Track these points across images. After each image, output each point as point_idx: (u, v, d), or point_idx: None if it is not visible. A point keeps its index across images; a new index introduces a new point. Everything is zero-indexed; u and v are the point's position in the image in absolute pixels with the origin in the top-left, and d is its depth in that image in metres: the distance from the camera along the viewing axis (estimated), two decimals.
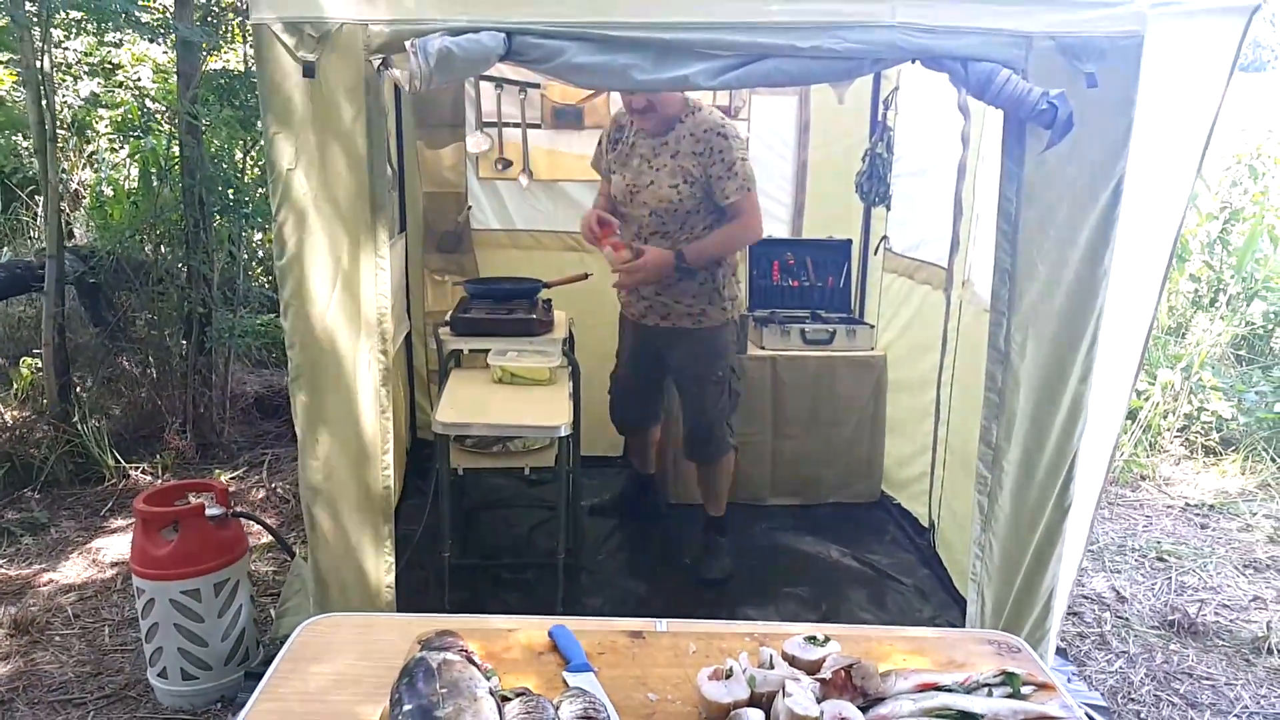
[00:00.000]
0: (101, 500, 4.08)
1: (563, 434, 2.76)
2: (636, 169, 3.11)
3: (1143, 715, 2.70)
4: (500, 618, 1.70)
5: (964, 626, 2.99)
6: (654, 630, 1.65)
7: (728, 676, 1.42)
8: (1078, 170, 2.33)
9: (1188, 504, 4.21)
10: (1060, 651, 2.86)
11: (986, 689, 1.46)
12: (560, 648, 1.56)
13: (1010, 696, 1.45)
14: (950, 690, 1.44)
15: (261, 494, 4.10)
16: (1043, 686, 1.49)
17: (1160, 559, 3.62)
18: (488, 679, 1.43)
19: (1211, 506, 4.19)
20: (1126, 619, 3.18)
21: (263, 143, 2.63)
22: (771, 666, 1.46)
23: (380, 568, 2.47)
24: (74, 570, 3.58)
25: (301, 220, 2.27)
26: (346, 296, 2.31)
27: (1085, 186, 2.34)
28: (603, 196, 3.30)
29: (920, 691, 1.44)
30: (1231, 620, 3.19)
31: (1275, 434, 4.65)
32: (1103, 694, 2.77)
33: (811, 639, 1.53)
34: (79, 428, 4.23)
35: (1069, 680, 2.77)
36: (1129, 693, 2.79)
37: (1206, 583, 3.46)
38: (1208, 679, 2.86)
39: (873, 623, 3.13)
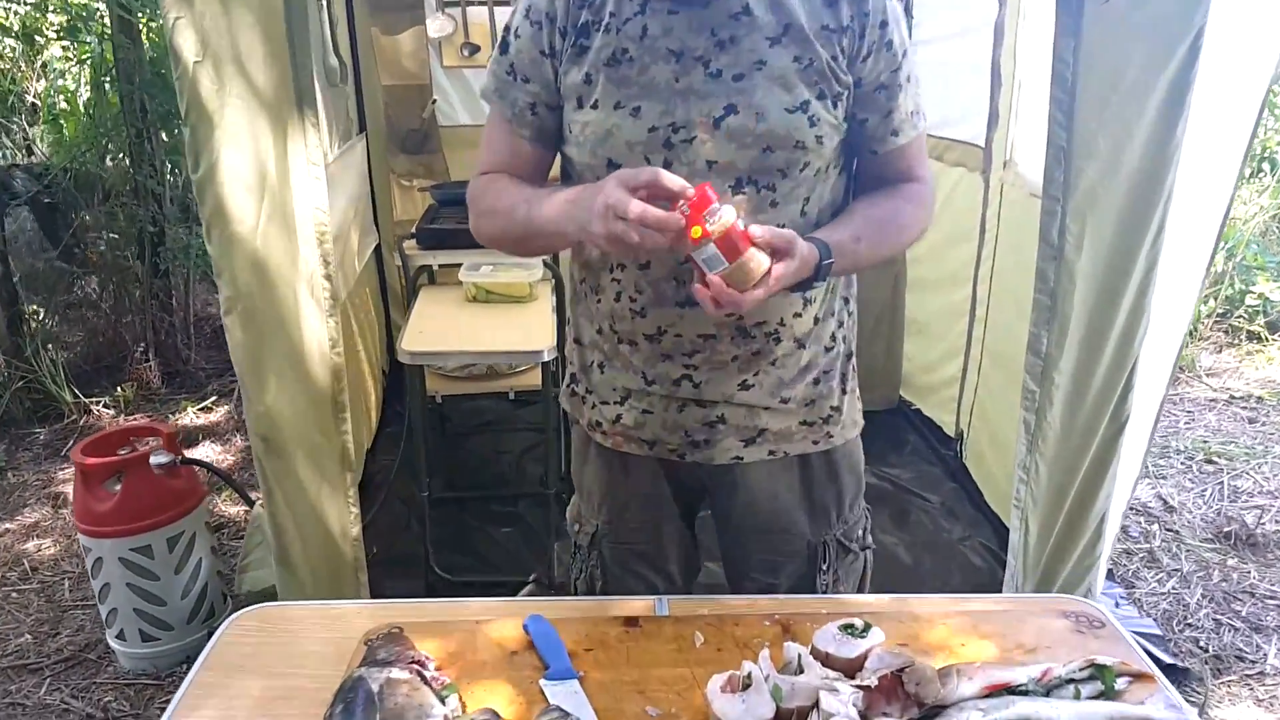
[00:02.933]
0: (61, 439, 3.79)
1: (545, 359, 2.43)
2: (660, 83, 1.29)
3: (1202, 642, 2.44)
4: (469, 603, 1.40)
5: (1004, 553, 2.72)
6: (653, 615, 1.35)
7: (746, 687, 1.12)
8: (1148, 21, 1.93)
9: (1233, 397, 3.89)
10: (1108, 573, 2.58)
11: (1073, 687, 1.16)
12: (538, 647, 1.26)
13: (1102, 695, 1.16)
14: (1027, 692, 1.14)
15: (232, 423, 3.80)
16: (1139, 677, 1.19)
17: (1209, 461, 3.33)
18: (444, 699, 1.14)
19: (1259, 399, 3.88)
20: (1177, 531, 2.90)
21: None
22: (800, 670, 1.16)
23: (345, 519, 2.17)
24: (32, 517, 3.31)
25: (213, 124, 1.88)
26: (277, 213, 1.94)
27: (1158, 41, 1.94)
28: (503, 174, 1.42)
29: (989, 696, 1.14)
30: None
31: None
32: (1156, 619, 2.50)
33: (848, 628, 1.22)
34: (33, 361, 3.91)
35: (1117, 604, 2.50)
36: (1185, 617, 2.52)
37: (1262, 486, 3.17)
38: (1273, 598, 2.59)
39: (895, 545, 2.86)
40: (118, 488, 2.39)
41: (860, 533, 1.59)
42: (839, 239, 1.29)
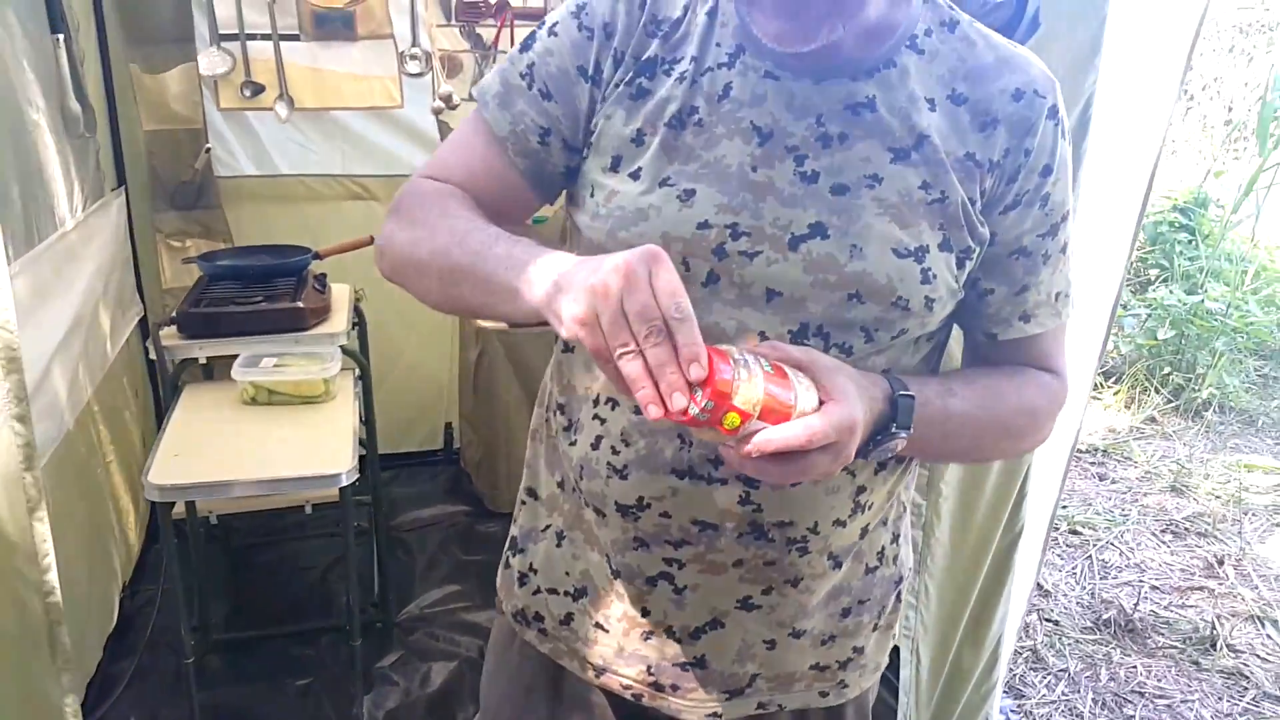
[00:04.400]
0: None
1: (344, 482, 1.95)
2: (730, 166, 0.91)
3: None
4: None
5: (894, 686, 2.43)
6: None
7: None
8: None
9: (1078, 451, 3.81)
10: None
11: None
12: None
13: None
14: None
15: None
16: None
17: (1074, 532, 3.18)
18: None
19: (1105, 451, 3.81)
20: (1056, 621, 2.70)
21: None
22: None
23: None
24: None
25: None
26: None
27: None
28: (460, 191, 0.99)
29: None
30: (1167, 608, 2.78)
31: (1156, 362, 4.32)
32: None
33: None
34: None
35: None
36: None
37: (1129, 558, 3.04)
38: (1161, 696, 2.41)
39: None
40: None
41: None
42: (921, 381, 0.91)
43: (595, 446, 0.98)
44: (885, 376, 0.88)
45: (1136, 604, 2.77)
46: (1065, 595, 2.83)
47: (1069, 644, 2.61)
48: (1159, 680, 2.47)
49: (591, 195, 0.96)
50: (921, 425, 0.88)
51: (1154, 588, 2.87)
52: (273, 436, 2.11)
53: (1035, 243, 0.95)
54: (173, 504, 2.01)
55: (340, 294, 2.57)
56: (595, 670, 1.07)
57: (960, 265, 0.93)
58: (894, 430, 0.86)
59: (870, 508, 1.00)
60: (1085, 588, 2.87)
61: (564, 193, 1.03)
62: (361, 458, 2.13)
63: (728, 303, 0.90)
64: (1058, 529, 3.21)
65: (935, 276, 0.90)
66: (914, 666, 1.99)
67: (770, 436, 0.75)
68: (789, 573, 0.98)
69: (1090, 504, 3.38)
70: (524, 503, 1.12)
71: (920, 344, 0.97)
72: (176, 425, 2.15)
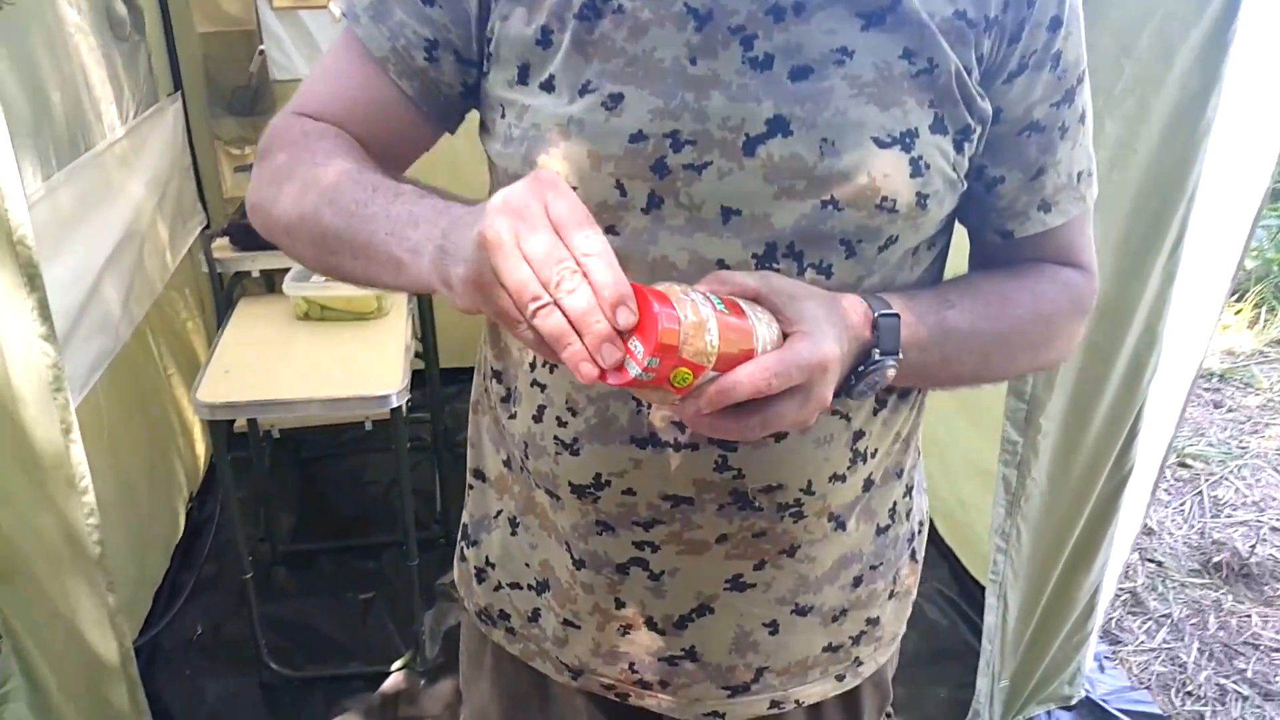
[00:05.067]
0: None
1: (395, 403, 1.86)
2: (664, 62, 0.73)
3: (1207, 717, 2.03)
4: None
5: (964, 602, 2.28)
6: None
7: None
8: None
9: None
10: None
11: None
12: None
13: None
14: None
15: None
16: None
17: (1183, 465, 2.93)
18: None
19: (1222, 376, 3.50)
20: (1160, 562, 2.50)
21: None
22: None
23: (107, 641, 1.59)
24: None
25: None
26: None
27: None
28: (334, 129, 0.81)
29: None
30: None
31: None
32: (1151, 687, 2.10)
33: None
34: None
35: (1101, 668, 2.09)
36: (1183, 683, 2.13)
37: (1245, 496, 2.79)
38: (1279, 649, 2.21)
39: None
40: None
41: None
42: (908, 294, 0.76)
43: (538, 419, 0.82)
44: (863, 296, 0.72)
45: (1254, 546, 2.54)
46: (1171, 534, 2.61)
47: (1173, 588, 2.41)
48: (1276, 631, 2.27)
49: (501, 116, 0.78)
50: (915, 348, 0.72)
51: (1274, 529, 2.63)
52: (325, 354, 2.03)
53: (1049, 114, 0.77)
54: (225, 420, 1.94)
55: None
56: (571, 672, 0.93)
57: (959, 149, 0.75)
58: (878, 359, 0.70)
59: (873, 456, 0.84)
60: (1194, 527, 2.64)
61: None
62: (421, 373, 2.04)
63: (675, 230, 0.73)
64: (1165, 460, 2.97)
65: (928, 166, 0.73)
66: (1000, 612, 1.84)
67: (721, 387, 0.60)
68: (783, 541, 0.83)
69: (1203, 434, 3.11)
70: (471, 486, 0.97)
71: (919, 255, 0.80)
72: (229, 340, 2.08)
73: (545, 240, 0.55)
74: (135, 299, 2.22)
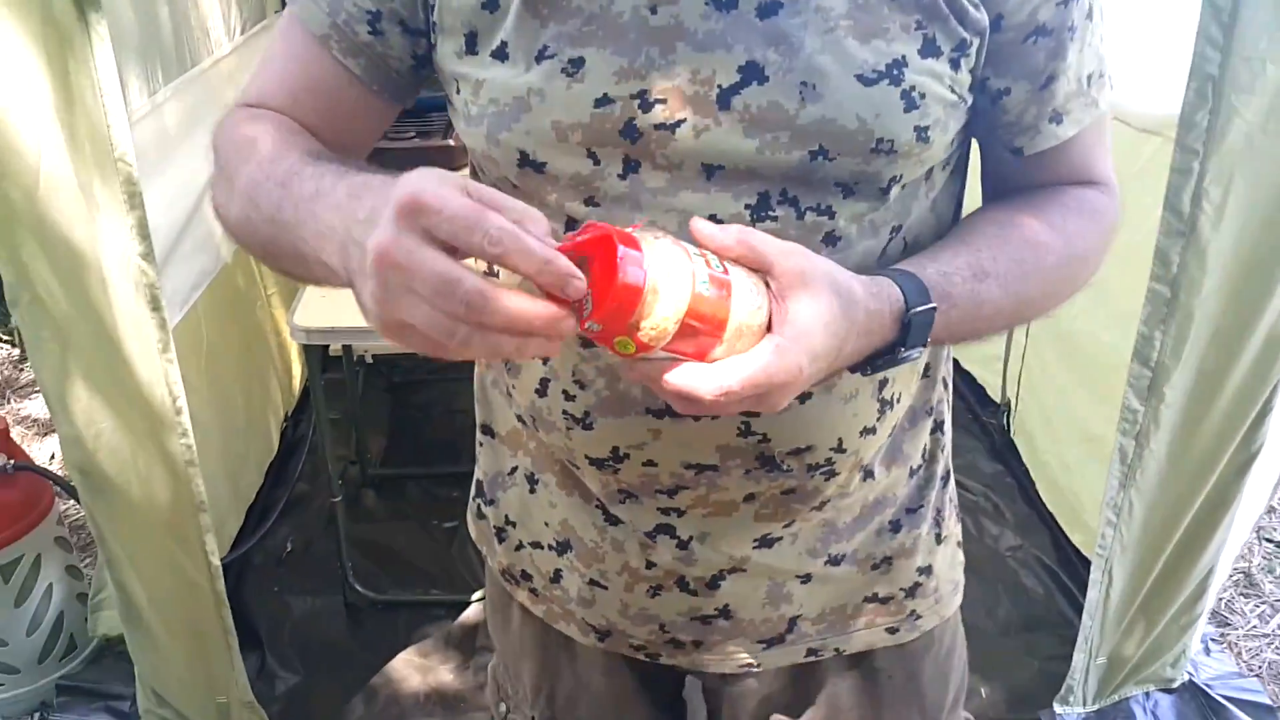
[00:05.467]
0: None
1: None
2: (622, 15, 0.67)
3: None
4: None
5: (1061, 570, 2.19)
6: None
7: None
8: None
9: None
10: None
11: None
12: None
13: None
14: None
15: None
16: None
17: None
18: None
19: None
20: (1277, 542, 2.35)
21: None
22: None
23: (200, 569, 1.63)
24: None
25: None
26: (62, 168, 1.33)
27: None
28: (276, 116, 0.76)
29: None
30: None
31: None
32: (1261, 676, 1.98)
33: None
34: None
35: (1207, 651, 1.98)
36: None
37: None
38: None
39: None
40: None
41: None
42: (943, 272, 0.69)
43: (542, 393, 0.78)
44: (895, 277, 0.65)
45: None
46: None
47: None
48: None
49: (457, 92, 0.72)
50: (945, 332, 0.68)
51: None
52: None
53: (1055, 15, 0.69)
54: (320, 345, 1.95)
55: None
56: (598, 633, 0.89)
57: (955, 67, 0.68)
58: (902, 354, 0.66)
59: (899, 400, 0.80)
60: None
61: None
62: None
63: (658, 191, 0.68)
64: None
65: (923, 96, 0.66)
66: (1104, 587, 1.74)
67: (671, 383, 0.57)
68: (814, 500, 0.80)
69: None
70: (480, 443, 0.93)
71: (933, 179, 0.74)
72: None
73: (430, 276, 0.50)
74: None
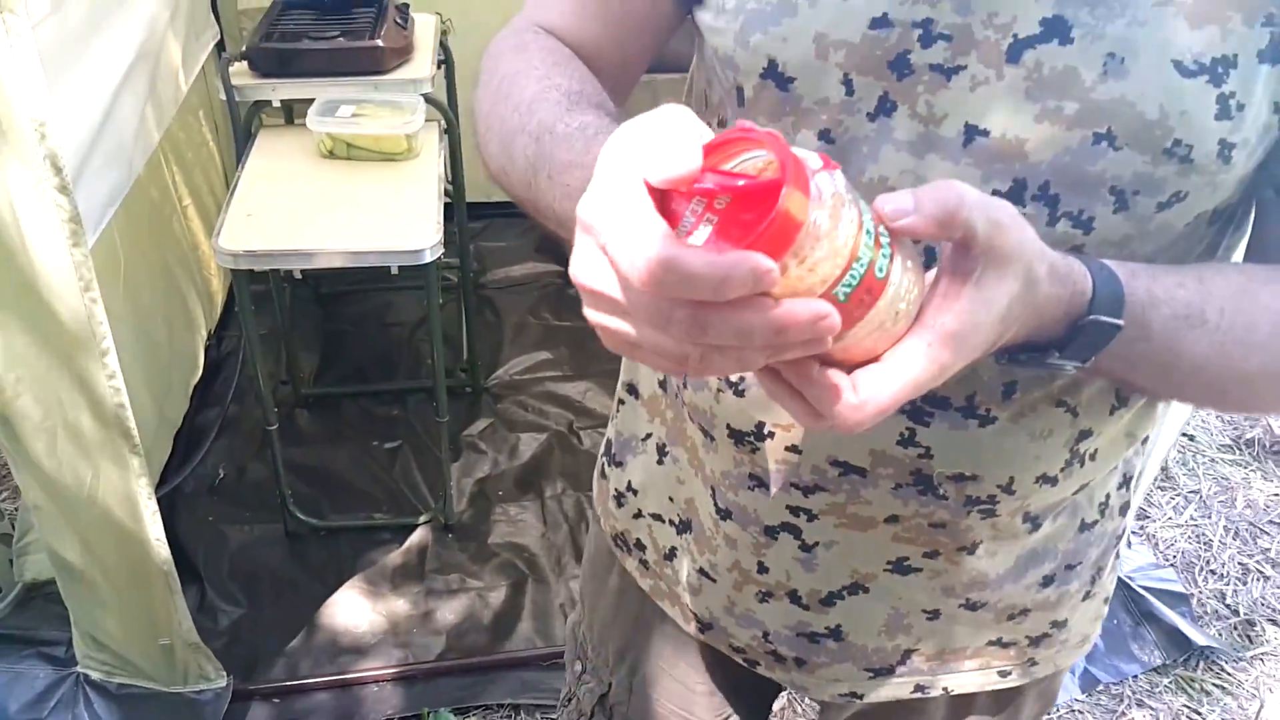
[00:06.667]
0: None
1: (428, 258, 1.77)
2: None
3: (1228, 598, 2.06)
4: None
5: None
6: None
7: None
8: None
9: None
10: None
11: None
12: None
13: None
14: None
15: None
16: None
17: None
18: None
19: None
20: (1193, 436, 2.48)
21: None
22: None
23: (136, 504, 1.56)
24: None
25: None
26: None
27: None
28: (552, 40, 0.70)
29: None
30: None
31: None
32: (1176, 565, 2.11)
33: None
34: None
35: (1129, 544, 2.09)
36: (1207, 561, 2.14)
37: None
38: None
39: None
40: None
41: None
42: (1152, 294, 0.56)
43: None
44: (1093, 269, 0.53)
45: None
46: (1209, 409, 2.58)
47: (1203, 463, 2.40)
48: None
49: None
50: (1123, 364, 0.57)
51: None
52: (352, 198, 1.91)
53: None
54: (247, 271, 1.84)
55: (425, 28, 2.27)
56: (700, 624, 0.86)
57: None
58: (1052, 359, 0.54)
59: (1094, 458, 0.69)
60: None
61: None
62: (448, 205, 1.94)
63: (903, 146, 0.59)
64: None
65: (1242, 107, 0.55)
66: None
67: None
68: (964, 539, 0.72)
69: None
70: (622, 401, 0.88)
71: (1208, 227, 0.62)
72: (250, 178, 1.95)
73: (644, 294, 0.40)
74: (149, 126, 2.07)
